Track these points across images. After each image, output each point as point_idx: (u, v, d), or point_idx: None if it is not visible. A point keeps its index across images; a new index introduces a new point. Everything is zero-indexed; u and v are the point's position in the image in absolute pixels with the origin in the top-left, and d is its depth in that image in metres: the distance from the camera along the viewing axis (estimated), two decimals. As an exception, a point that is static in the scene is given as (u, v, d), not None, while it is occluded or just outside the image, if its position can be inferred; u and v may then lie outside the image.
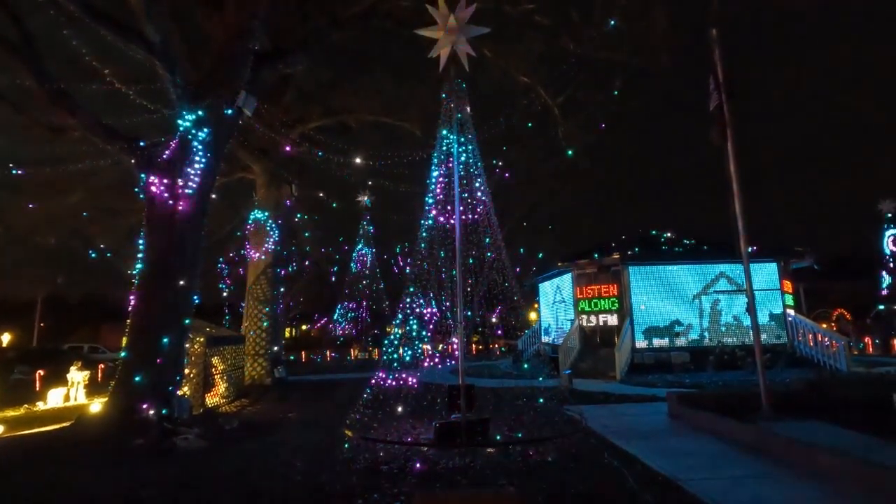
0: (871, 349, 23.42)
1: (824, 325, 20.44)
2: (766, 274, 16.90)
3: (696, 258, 17.13)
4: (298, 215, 19.98)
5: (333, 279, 31.44)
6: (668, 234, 19.88)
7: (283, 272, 17.79)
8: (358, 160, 16.73)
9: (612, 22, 12.79)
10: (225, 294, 18.47)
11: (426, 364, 9.61)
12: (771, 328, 16.56)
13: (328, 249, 29.03)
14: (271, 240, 16.79)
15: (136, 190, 9.80)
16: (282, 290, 17.72)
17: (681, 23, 13.21)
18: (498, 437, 6.63)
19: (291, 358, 25.31)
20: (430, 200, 8.24)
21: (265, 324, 16.34)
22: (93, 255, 16.51)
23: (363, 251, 29.77)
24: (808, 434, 6.31)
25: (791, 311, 17.01)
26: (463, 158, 8.08)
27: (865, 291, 28.59)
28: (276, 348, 16.75)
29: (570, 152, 16.91)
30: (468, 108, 8.25)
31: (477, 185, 8.27)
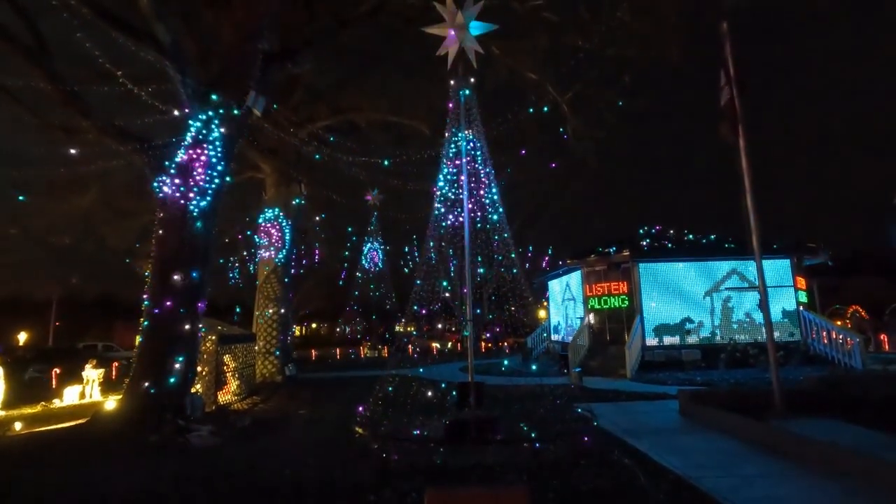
0: (887, 346, 23.03)
1: (839, 323, 20.12)
2: (778, 270, 16.68)
3: (707, 255, 16.94)
4: (307, 205, 20.02)
5: (343, 277, 31.58)
6: (679, 231, 19.68)
7: (292, 271, 17.89)
8: (366, 158, 16.78)
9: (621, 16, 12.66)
10: (235, 293, 18.63)
11: (435, 361, 9.65)
12: (784, 325, 16.35)
13: (337, 248, 29.16)
14: (281, 239, 16.91)
15: (152, 189, 9.88)
16: (292, 288, 17.82)
17: (691, 17, 13.04)
18: (508, 435, 6.62)
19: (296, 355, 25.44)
20: (442, 189, 8.22)
21: (275, 322, 16.46)
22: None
23: (372, 250, 29.91)
24: (823, 432, 6.22)
25: (804, 308, 16.78)
26: (471, 154, 8.07)
27: (881, 288, 28.12)
28: (286, 346, 16.87)
29: (580, 153, 16.74)
30: (476, 104, 8.24)
31: (484, 179, 8.26)
